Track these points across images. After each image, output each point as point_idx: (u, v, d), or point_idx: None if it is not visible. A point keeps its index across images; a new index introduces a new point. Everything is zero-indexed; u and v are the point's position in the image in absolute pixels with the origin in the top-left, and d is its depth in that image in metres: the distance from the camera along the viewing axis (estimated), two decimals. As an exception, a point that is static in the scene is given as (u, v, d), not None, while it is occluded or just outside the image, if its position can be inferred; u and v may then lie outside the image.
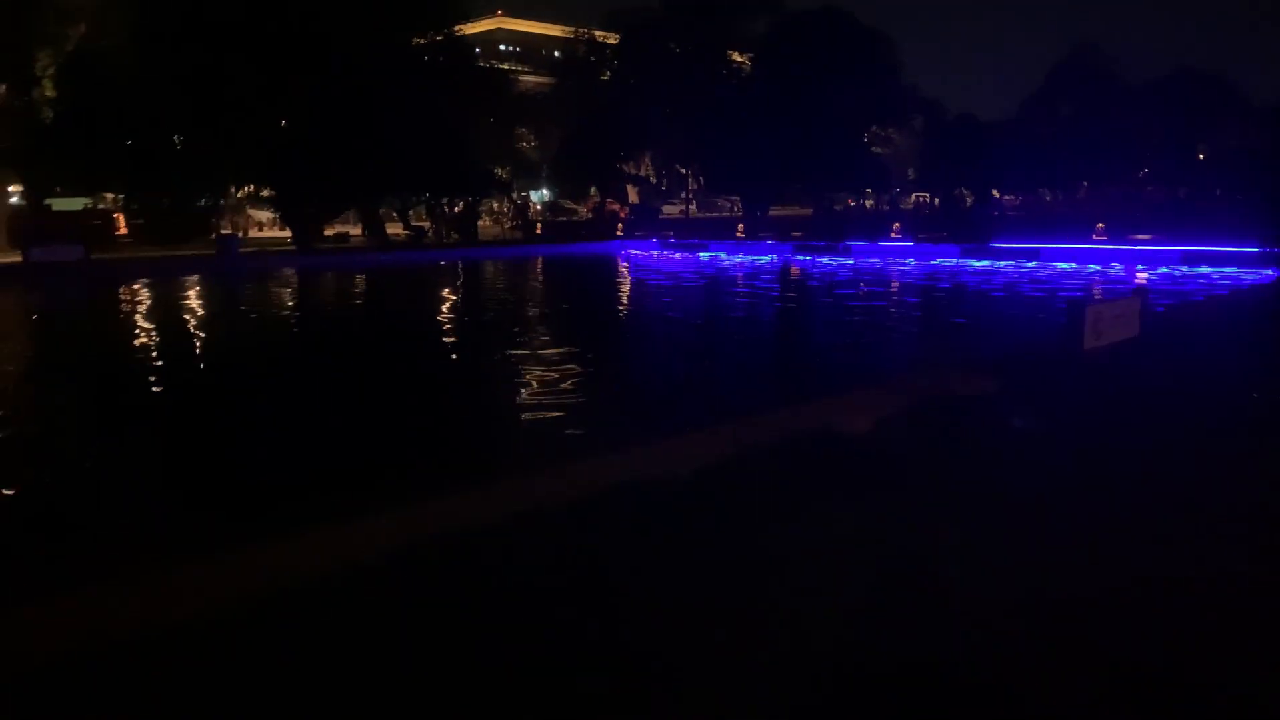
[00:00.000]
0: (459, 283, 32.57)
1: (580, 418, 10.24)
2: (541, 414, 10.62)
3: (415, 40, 45.05)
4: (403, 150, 41.35)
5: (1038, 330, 16.45)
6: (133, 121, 38.08)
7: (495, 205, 54.70)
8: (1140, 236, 34.21)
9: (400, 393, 12.43)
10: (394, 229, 48.99)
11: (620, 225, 45.50)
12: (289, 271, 34.85)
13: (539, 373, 13.18)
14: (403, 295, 29.04)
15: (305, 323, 22.53)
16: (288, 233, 45.38)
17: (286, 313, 24.77)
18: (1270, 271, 25.60)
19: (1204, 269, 27.45)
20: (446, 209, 48.02)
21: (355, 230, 49.77)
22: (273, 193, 41.09)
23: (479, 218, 46.89)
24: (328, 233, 47.78)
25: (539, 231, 49.20)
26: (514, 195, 59.88)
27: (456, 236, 45.84)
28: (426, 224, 47.34)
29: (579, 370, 13.41)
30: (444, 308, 24.66)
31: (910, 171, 73.43)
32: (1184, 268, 28.03)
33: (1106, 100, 74.48)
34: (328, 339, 18.84)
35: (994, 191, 64.15)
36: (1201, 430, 8.04)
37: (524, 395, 11.91)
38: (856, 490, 6.35)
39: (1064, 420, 8.65)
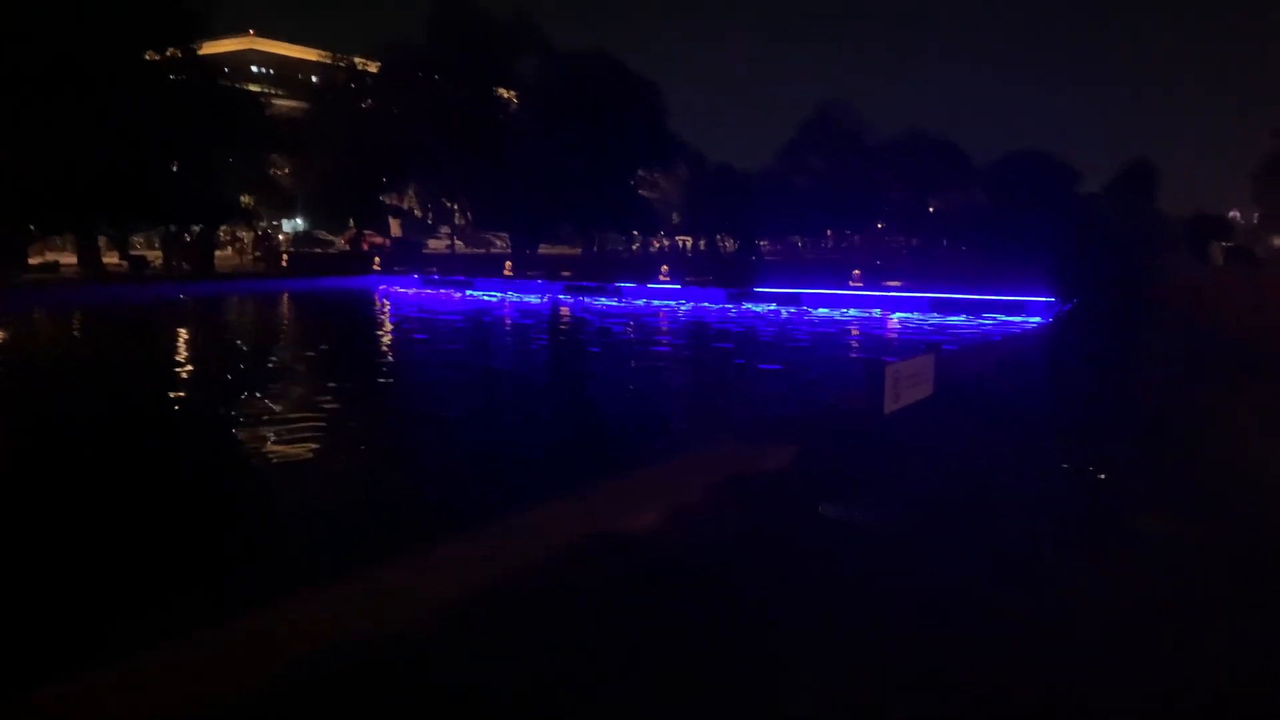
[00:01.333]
0: (172, 324, 28.09)
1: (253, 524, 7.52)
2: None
3: (152, 56, 39.61)
4: (123, 170, 36.01)
5: (824, 381, 15.24)
6: None
7: (242, 235, 49.30)
8: (891, 283, 35.05)
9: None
10: (113, 259, 42.83)
11: (377, 260, 41.96)
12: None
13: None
14: (88, 343, 24.35)
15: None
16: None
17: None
18: (1021, 319, 26.48)
19: (960, 318, 28.03)
20: (180, 237, 42.54)
21: (69, 258, 43.09)
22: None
23: (216, 247, 41.75)
24: (33, 261, 41.01)
25: (284, 264, 44.60)
26: (259, 225, 54.56)
27: (188, 268, 40.56)
28: (150, 254, 41.57)
29: (273, 449, 10.55)
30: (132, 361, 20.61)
31: (674, 215, 74.24)
32: (936, 315, 28.57)
33: (850, 156, 78.98)
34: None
35: (756, 240, 65.74)
36: (1012, 522, 6.58)
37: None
38: (661, 660, 4.17)
39: (877, 504, 7.04)
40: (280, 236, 74.55)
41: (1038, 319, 26.00)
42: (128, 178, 36.49)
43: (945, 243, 79.93)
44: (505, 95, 60.59)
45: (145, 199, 38.14)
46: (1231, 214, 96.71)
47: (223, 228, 52.00)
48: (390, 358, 20.33)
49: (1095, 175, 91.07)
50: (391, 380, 16.77)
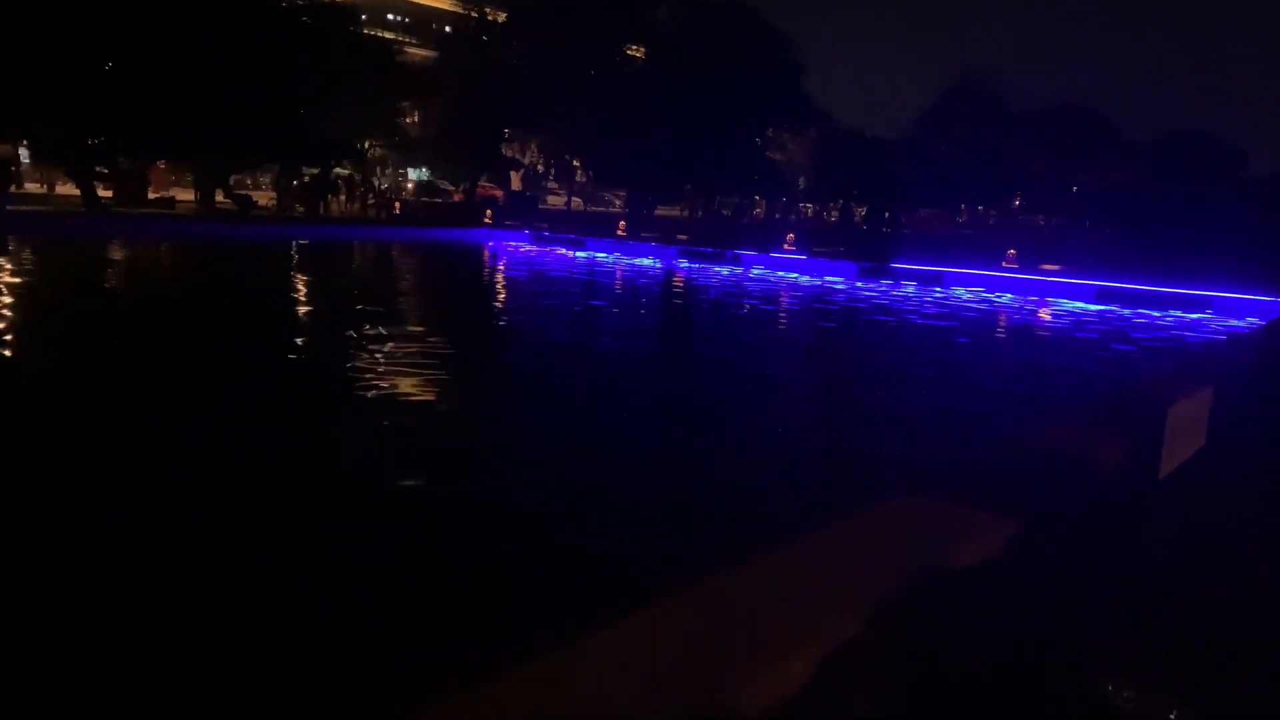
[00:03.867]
0: (261, 270, 25.68)
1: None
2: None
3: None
4: (243, 109, 33.96)
5: (1025, 401, 11.15)
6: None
7: (356, 180, 47.32)
8: (1049, 266, 30.02)
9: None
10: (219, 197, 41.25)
11: (490, 213, 39.12)
12: (44, 240, 26.63)
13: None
14: (155, 289, 21.91)
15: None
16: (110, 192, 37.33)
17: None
18: (1211, 317, 21.47)
19: (1148, 310, 23.09)
20: (294, 179, 40.64)
21: (184, 194, 41.82)
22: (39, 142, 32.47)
23: (333, 191, 39.69)
24: (152, 195, 39.80)
25: (397, 211, 42.23)
26: (377, 174, 52.59)
27: (302, 210, 38.55)
28: (257, 194, 39.81)
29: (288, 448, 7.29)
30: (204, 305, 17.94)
31: (801, 181, 69.17)
32: (1112, 307, 23.67)
33: (992, 126, 72.13)
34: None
35: (886, 212, 60.30)
36: None
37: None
38: None
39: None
40: (409, 185, 73.22)
41: (1237, 320, 21.04)
42: (249, 115, 34.59)
43: (1088, 224, 72.52)
44: (633, 51, 56.77)
45: (266, 138, 36.29)
46: None
47: (340, 173, 50.19)
48: (515, 313, 17.12)
49: (1261, 157, 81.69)
50: (511, 348, 13.54)
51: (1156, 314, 22.48)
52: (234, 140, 35.15)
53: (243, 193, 40.75)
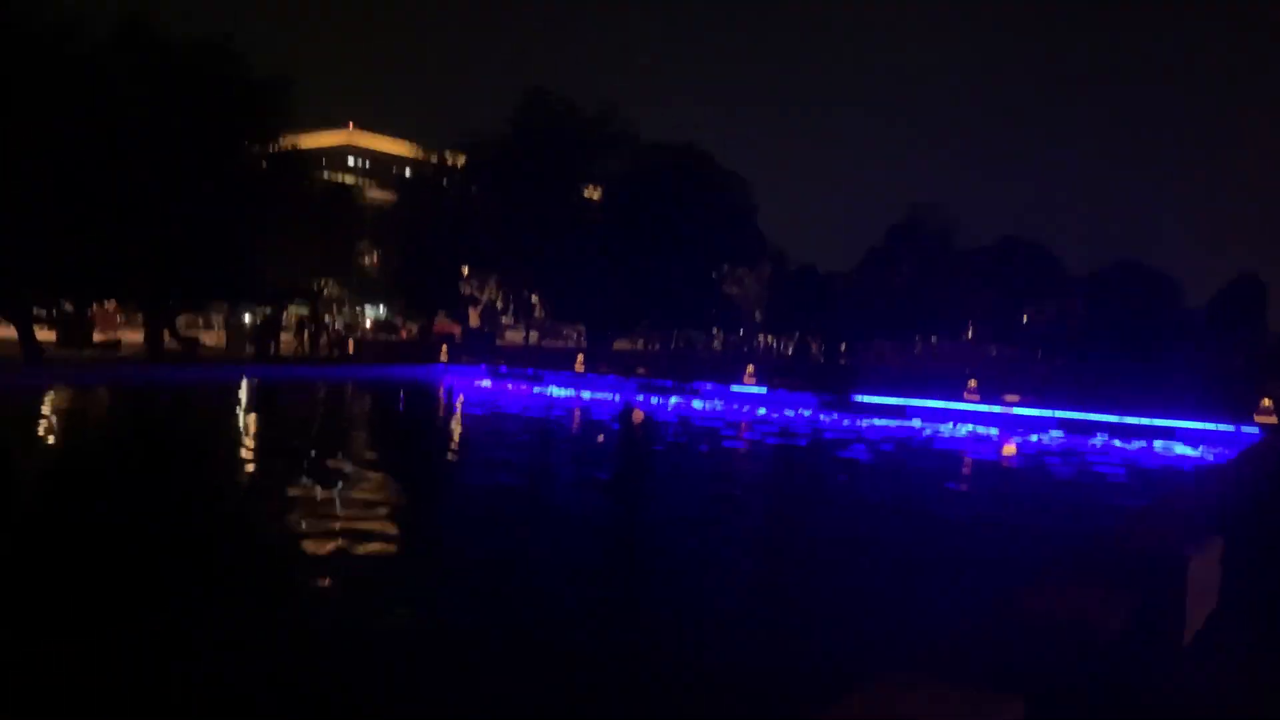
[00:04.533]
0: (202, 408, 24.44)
1: None
2: None
3: (247, 147, 37.66)
4: (191, 250, 33.36)
5: (987, 553, 10.26)
6: None
7: (313, 318, 46.61)
8: (1010, 397, 29.71)
9: None
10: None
11: (445, 349, 38.39)
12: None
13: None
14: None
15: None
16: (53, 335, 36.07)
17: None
18: (1181, 447, 21.04)
19: (1099, 439, 22.64)
20: (246, 320, 39.75)
21: (131, 335, 40.58)
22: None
23: (279, 330, 38.84)
24: (98, 337, 38.49)
25: (350, 351, 41.33)
26: (334, 310, 51.99)
27: (252, 350, 37.48)
28: (204, 334, 38.76)
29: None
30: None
31: (757, 314, 69.88)
32: (1067, 436, 23.21)
33: (940, 261, 74.09)
34: None
35: (842, 344, 60.80)
36: None
37: None
38: None
39: None
40: (367, 323, 72.69)
41: (1204, 449, 20.64)
42: (197, 255, 34.01)
43: (1039, 353, 73.81)
44: (589, 193, 57.87)
45: (215, 278, 35.64)
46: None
47: (297, 312, 49.52)
48: (465, 469, 15.95)
49: (1199, 288, 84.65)
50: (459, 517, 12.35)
51: (1127, 444, 22.03)
52: (181, 280, 34.34)
53: (189, 335, 39.62)
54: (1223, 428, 21.45)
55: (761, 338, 77.17)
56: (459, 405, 28.85)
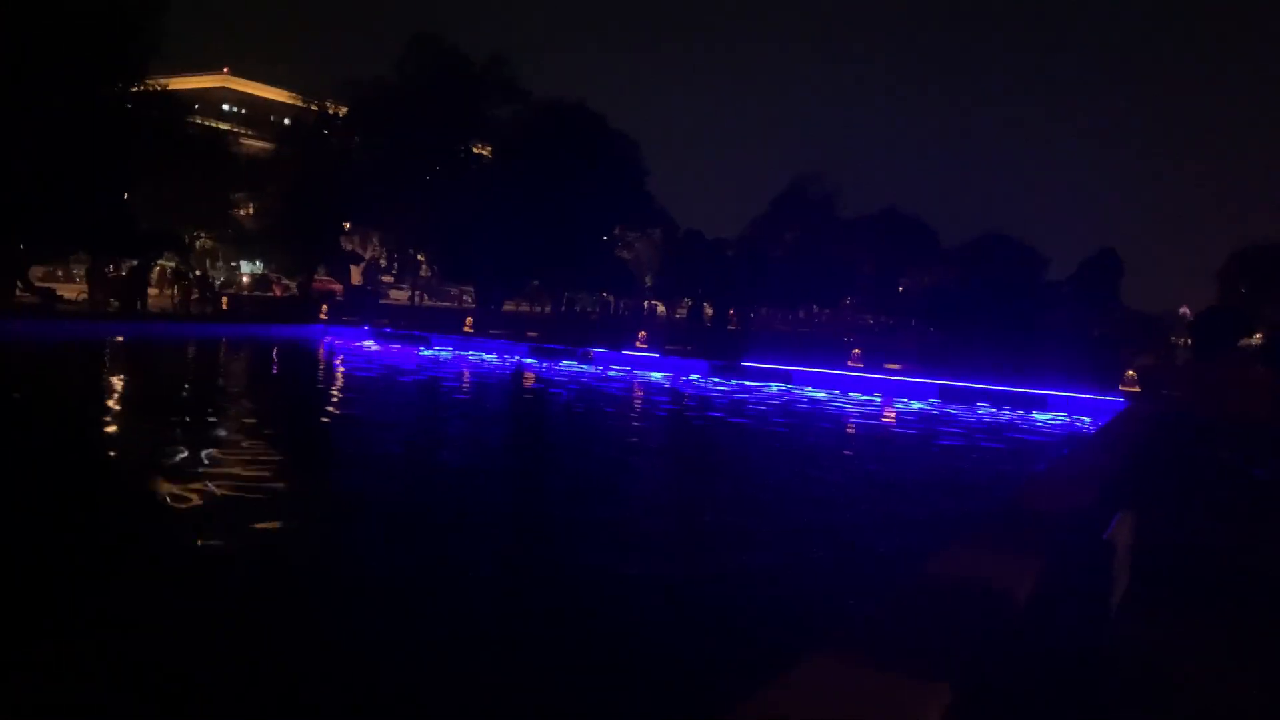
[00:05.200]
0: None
1: None
2: None
3: (109, 80, 34.46)
4: (45, 194, 30.64)
5: (892, 504, 10.31)
6: None
7: (183, 271, 43.68)
8: (891, 365, 30.45)
9: None
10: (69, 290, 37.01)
11: (325, 308, 36.62)
12: None
13: None
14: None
15: None
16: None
17: None
18: (1052, 415, 21.94)
19: (998, 408, 23.39)
20: (110, 272, 36.96)
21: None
22: None
23: (148, 285, 36.28)
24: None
25: (225, 307, 39.04)
26: (207, 264, 49.06)
27: (116, 305, 34.86)
28: (67, 288, 35.82)
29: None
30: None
31: (648, 279, 69.77)
32: (946, 404, 23.92)
33: (822, 231, 75.56)
34: None
35: (730, 310, 61.31)
36: None
37: None
38: None
39: None
40: (244, 278, 68.88)
41: (1076, 416, 21.63)
42: (59, 200, 31.22)
43: (913, 323, 76.44)
44: (478, 148, 56.13)
45: (73, 226, 32.87)
46: (1182, 310, 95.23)
47: (164, 266, 46.41)
48: (346, 422, 15.06)
49: (1061, 261, 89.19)
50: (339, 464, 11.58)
51: (1007, 411, 22.83)
52: (32, 226, 31.58)
53: (45, 285, 36.55)
54: (1092, 396, 22.48)
55: (647, 303, 77.22)
56: (340, 366, 27.58)
